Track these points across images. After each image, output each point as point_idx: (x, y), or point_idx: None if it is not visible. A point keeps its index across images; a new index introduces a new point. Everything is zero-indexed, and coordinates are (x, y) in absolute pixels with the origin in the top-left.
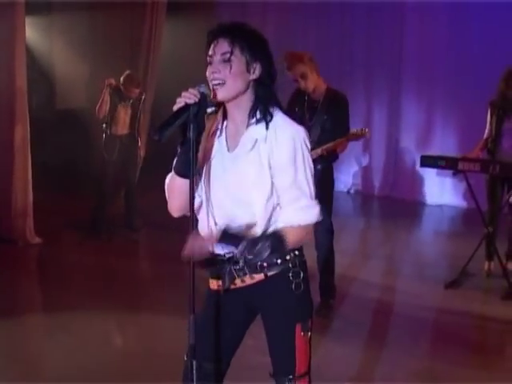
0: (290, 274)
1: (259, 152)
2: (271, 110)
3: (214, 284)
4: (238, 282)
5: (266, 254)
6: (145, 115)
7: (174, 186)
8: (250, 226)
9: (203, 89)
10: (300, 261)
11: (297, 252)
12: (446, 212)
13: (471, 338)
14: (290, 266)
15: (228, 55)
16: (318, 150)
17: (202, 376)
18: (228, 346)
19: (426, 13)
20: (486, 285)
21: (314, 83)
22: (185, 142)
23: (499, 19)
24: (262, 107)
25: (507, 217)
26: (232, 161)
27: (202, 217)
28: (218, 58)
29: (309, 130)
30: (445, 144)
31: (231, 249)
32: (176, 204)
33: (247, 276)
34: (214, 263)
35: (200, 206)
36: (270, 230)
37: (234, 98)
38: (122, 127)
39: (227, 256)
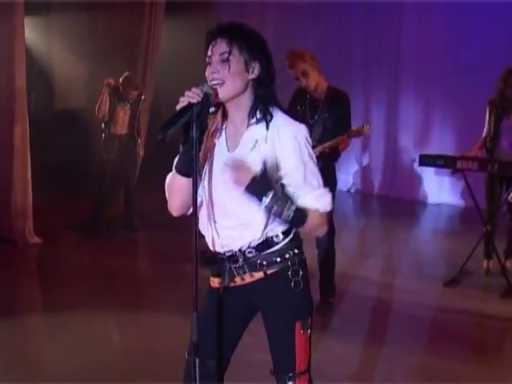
0: (290, 273)
1: (260, 152)
2: (271, 109)
3: (214, 282)
4: (238, 280)
5: (288, 214)
6: (144, 115)
7: (175, 185)
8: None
9: (206, 88)
10: (299, 259)
11: (296, 250)
12: (444, 211)
13: (470, 336)
14: (290, 264)
15: (226, 55)
16: (320, 148)
17: (204, 373)
18: (228, 342)
19: (424, 12)
20: (484, 283)
21: (315, 81)
22: (187, 140)
23: (496, 19)
24: (262, 107)
25: (506, 215)
26: (232, 161)
27: (202, 216)
28: (216, 58)
29: (310, 128)
30: (443, 143)
31: (231, 247)
32: (176, 203)
33: (247, 274)
34: (214, 261)
35: (200, 206)
36: (269, 230)
37: (234, 97)
38: (121, 127)
39: (227, 254)
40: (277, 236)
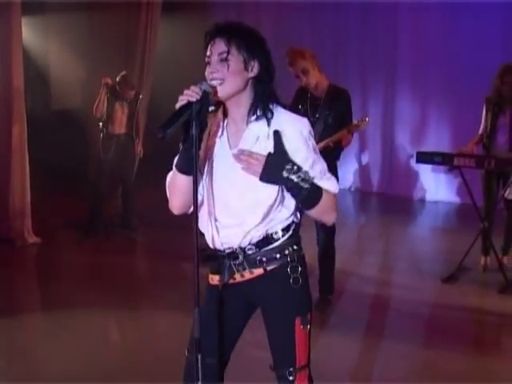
0: (289, 269)
1: (261, 149)
2: (271, 106)
3: (213, 279)
4: (238, 277)
5: (306, 187)
6: (142, 114)
7: (176, 183)
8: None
9: (205, 86)
10: (298, 255)
11: (295, 247)
12: (441, 208)
13: (469, 331)
14: (289, 260)
15: (225, 55)
16: (322, 144)
17: (205, 371)
18: (228, 339)
19: (420, 10)
20: (482, 279)
21: (315, 79)
22: (187, 138)
23: (491, 17)
24: (262, 104)
25: (503, 212)
26: (235, 159)
27: (202, 214)
28: (215, 57)
29: (312, 126)
30: (439, 140)
31: (231, 244)
32: (177, 202)
33: (246, 271)
34: (214, 258)
35: (201, 204)
36: (270, 227)
37: (234, 96)
38: (119, 126)
39: (227, 251)
40: (276, 233)
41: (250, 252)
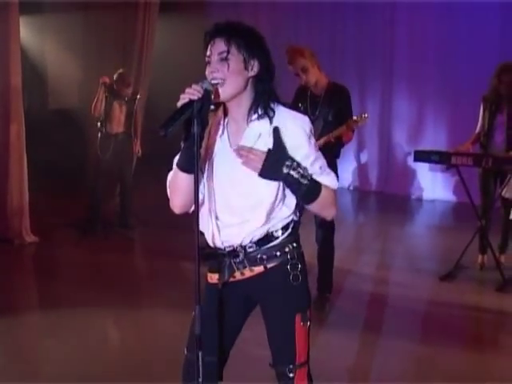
0: (289, 266)
1: (263, 146)
2: (272, 105)
3: (212, 278)
4: (238, 275)
5: (305, 183)
6: (139, 114)
7: (177, 182)
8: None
9: (206, 85)
10: (298, 253)
11: (295, 244)
12: (438, 206)
13: (466, 329)
14: (289, 257)
15: (225, 54)
16: (322, 140)
17: (204, 369)
18: (228, 337)
19: (417, 9)
20: (479, 277)
21: (315, 77)
22: (188, 137)
23: (488, 16)
24: (263, 103)
25: (500, 210)
26: (236, 157)
27: (202, 213)
28: (215, 57)
29: (312, 123)
30: (436, 139)
31: (232, 243)
32: (179, 201)
33: (247, 269)
34: (213, 257)
35: (201, 203)
36: (271, 225)
37: (234, 96)
38: (117, 126)
39: (228, 250)
40: (276, 231)
41: (250, 250)
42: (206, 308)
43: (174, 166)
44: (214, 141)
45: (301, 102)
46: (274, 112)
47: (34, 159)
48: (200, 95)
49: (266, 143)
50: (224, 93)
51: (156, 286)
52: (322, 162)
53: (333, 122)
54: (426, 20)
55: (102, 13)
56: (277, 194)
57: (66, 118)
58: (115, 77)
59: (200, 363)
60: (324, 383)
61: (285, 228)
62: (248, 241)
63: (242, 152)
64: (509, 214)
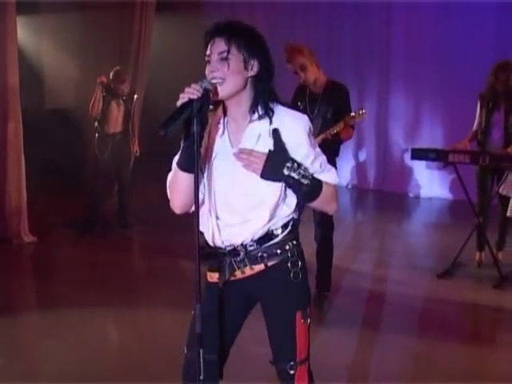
0: (289, 264)
1: (263, 146)
2: (271, 105)
3: (212, 277)
4: (238, 274)
5: (306, 183)
6: (137, 113)
7: (177, 182)
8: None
9: (205, 84)
10: (298, 250)
11: (295, 242)
12: (435, 204)
13: (464, 326)
14: (289, 255)
15: (225, 54)
16: (319, 138)
17: (204, 367)
18: (228, 335)
19: (413, 8)
20: (477, 274)
21: (313, 75)
22: (188, 136)
23: (484, 15)
24: (263, 103)
25: (498, 207)
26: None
27: (202, 212)
28: (215, 57)
29: (311, 122)
30: (433, 137)
31: (233, 242)
32: (179, 201)
33: (247, 267)
34: (213, 256)
35: (202, 202)
36: (272, 224)
37: (234, 95)
38: (115, 125)
39: (228, 249)
40: (277, 229)
41: (251, 249)
42: (206, 307)
43: (174, 165)
44: (214, 140)
45: (300, 100)
46: (273, 112)
47: (32, 159)
48: (199, 94)
49: (266, 143)
50: (223, 91)
51: (155, 285)
52: (322, 158)
53: (332, 119)
54: (423, 19)
55: (99, 13)
56: (280, 194)
57: (63, 118)
58: (111, 74)
59: (201, 361)
60: (323, 381)
61: (285, 226)
62: (249, 240)
63: (243, 155)
64: (506, 211)
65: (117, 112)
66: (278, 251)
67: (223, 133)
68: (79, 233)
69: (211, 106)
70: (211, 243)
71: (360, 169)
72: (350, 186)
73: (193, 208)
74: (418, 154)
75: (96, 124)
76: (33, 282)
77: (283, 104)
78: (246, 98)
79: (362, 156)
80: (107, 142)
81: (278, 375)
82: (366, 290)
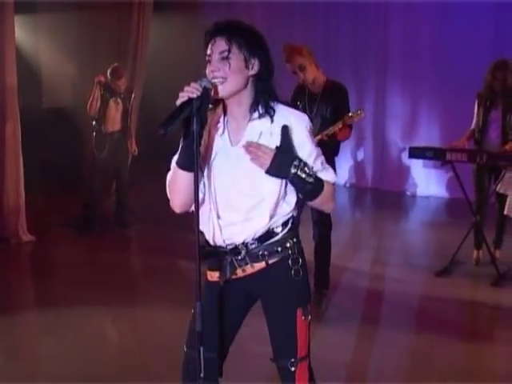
0: (290, 261)
1: (266, 143)
2: (272, 104)
3: (213, 276)
4: (239, 272)
5: (310, 181)
6: (134, 112)
7: (176, 182)
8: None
9: (205, 83)
10: (298, 248)
11: (295, 239)
12: (432, 203)
13: (462, 323)
14: (290, 252)
15: (226, 53)
16: (316, 138)
17: (204, 365)
18: (228, 334)
19: (411, 7)
20: (475, 272)
21: (312, 75)
22: (188, 134)
23: (481, 14)
24: (263, 102)
25: (495, 206)
26: (238, 155)
27: (202, 212)
28: (216, 56)
29: (311, 121)
30: (430, 136)
31: (234, 241)
32: (179, 200)
33: (248, 265)
34: (213, 255)
35: (201, 202)
36: (273, 222)
37: (235, 94)
38: (113, 124)
39: (229, 247)
40: (277, 227)
41: (252, 247)
42: (206, 305)
43: (173, 165)
44: (214, 139)
45: (299, 99)
46: (274, 110)
47: (30, 158)
48: (199, 93)
49: (267, 142)
50: (224, 90)
51: (153, 284)
52: (322, 158)
53: (330, 119)
54: (420, 18)
55: (97, 12)
56: (279, 192)
57: (60, 117)
58: (109, 71)
59: (202, 358)
60: (321, 379)
61: (285, 224)
62: (250, 238)
63: (251, 148)
64: (503, 209)
65: (115, 111)
66: (279, 249)
67: (223, 132)
68: (78, 232)
69: (210, 105)
70: (212, 242)
71: (358, 167)
72: (347, 185)
73: (192, 207)
74: (415, 153)
75: (94, 123)
76: (31, 281)
77: (283, 103)
78: (247, 97)
79: (360, 155)
80: (105, 141)
81: (279, 372)
82: (364, 288)
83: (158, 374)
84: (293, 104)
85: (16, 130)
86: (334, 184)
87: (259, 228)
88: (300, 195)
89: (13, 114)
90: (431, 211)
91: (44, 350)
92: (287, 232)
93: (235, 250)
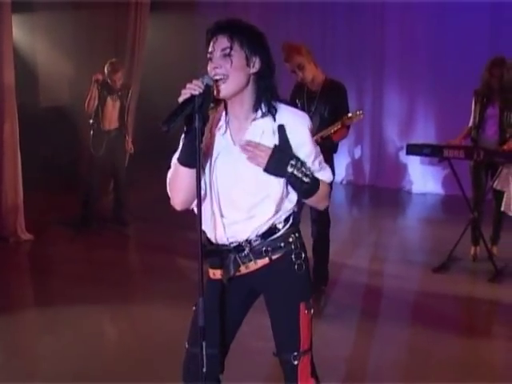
0: (293, 256)
1: (267, 144)
2: (273, 102)
3: (215, 274)
4: (243, 269)
5: (307, 181)
6: (131, 110)
7: (177, 179)
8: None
9: (207, 80)
10: (300, 242)
11: (297, 234)
12: (429, 200)
13: (460, 319)
14: (293, 247)
15: (228, 50)
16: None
17: (206, 361)
18: (229, 330)
19: (407, 5)
20: (472, 268)
21: (311, 74)
22: (189, 131)
23: (477, 12)
24: (265, 101)
25: (492, 202)
26: (240, 155)
27: (204, 210)
28: (218, 53)
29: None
30: (426, 133)
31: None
32: (180, 197)
33: (252, 262)
34: (214, 254)
35: (203, 200)
36: (275, 218)
37: (237, 94)
38: (110, 122)
39: (232, 245)
40: (279, 223)
41: (255, 243)
42: (208, 302)
43: (174, 162)
44: (216, 138)
45: (297, 98)
46: (276, 109)
47: (28, 157)
48: (201, 90)
49: (269, 140)
50: (226, 89)
51: (152, 282)
52: (321, 157)
53: (329, 118)
54: (416, 17)
55: (94, 11)
56: (283, 191)
57: (58, 116)
58: (106, 67)
59: (204, 354)
60: (321, 374)
61: (286, 220)
62: (254, 235)
63: (249, 147)
64: (500, 205)
65: (112, 108)
66: (282, 244)
67: (225, 131)
68: (76, 230)
69: (212, 104)
70: (214, 240)
71: (355, 165)
72: (345, 182)
73: (193, 205)
74: (413, 150)
75: (91, 121)
76: (30, 279)
77: (283, 102)
78: (249, 96)
79: (358, 152)
80: (102, 139)
81: (282, 366)
82: (363, 284)
83: (158, 372)
84: (291, 102)
85: (14, 128)
86: (330, 183)
87: (262, 225)
88: (297, 194)
89: (10, 112)
90: (428, 208)
91: (43, 348)
92: (289, 228)
93: (239, 247)
